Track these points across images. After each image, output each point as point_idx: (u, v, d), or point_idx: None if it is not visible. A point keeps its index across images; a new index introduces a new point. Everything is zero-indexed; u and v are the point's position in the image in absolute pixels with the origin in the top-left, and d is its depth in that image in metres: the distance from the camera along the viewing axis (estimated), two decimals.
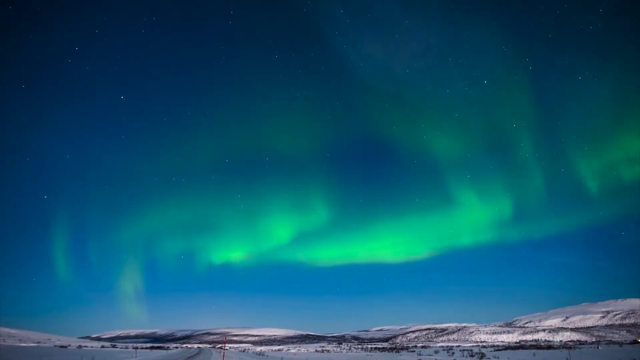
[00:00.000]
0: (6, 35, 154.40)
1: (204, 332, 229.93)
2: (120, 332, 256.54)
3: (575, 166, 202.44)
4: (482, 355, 38.40)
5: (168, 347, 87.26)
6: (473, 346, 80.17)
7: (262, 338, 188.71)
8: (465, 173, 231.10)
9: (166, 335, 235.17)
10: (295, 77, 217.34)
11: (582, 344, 69.65)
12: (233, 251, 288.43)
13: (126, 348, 69.27)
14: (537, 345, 67.54)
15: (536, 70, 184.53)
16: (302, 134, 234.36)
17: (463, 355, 39.43)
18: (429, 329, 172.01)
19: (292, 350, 70.73)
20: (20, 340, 69.92)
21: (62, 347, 52.12)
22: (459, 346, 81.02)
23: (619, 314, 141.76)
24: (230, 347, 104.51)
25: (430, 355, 40.63)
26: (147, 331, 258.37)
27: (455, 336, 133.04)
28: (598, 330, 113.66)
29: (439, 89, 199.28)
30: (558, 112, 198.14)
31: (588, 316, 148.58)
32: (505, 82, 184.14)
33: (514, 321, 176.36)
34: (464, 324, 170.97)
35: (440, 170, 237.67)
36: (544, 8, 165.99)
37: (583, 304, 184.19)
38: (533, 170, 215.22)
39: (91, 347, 62.28)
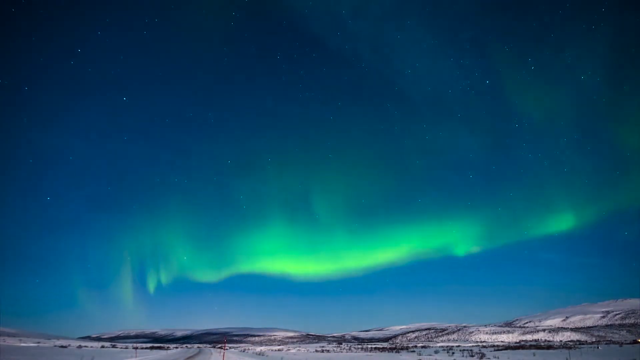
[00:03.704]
0: (8, 36, 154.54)
1: (204, 332, 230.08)
2: (120, 332, 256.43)
3: (576, 166, 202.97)
4: (482, 355, 38.42)
5: (168, 347, 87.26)
6: (473, 346, 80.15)
7: (262, 338, 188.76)
8: (468, 173, 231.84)
9: (166, 335, 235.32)
10: (298, 78, 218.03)
11: (582, 344, 69.62)
12: (233, 251, 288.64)
13: (126, 348, 69.23)
14: (537, 345, 67.56)
15: (538, 70, 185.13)
16: (304, 135, 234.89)
17: (463, 355, 39.44)
18: (429, 329, 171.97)
19: (292, 351, 70.69)
20: (20, 340, 69.98)
21: (62, 347, 52.10)
22: (459, 346, 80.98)
23: (619, 314, 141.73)
24: (230, 347, 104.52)
25: (430, 355, 40.61)
26: (147, 331, 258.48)
27: (455, 336, 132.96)
28: (598, 330, 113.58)
29: (441, 88, 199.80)
30: (559, 112, 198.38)
31: (588, 316, 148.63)
32: (506, 82, 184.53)
33: (514, 321, 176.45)
34: (464, 324, 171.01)
35: (442, 171, 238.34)
36: (545, 8, 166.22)
37: (583, 304, 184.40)
38: (535, 170, 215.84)
39: (91, 347, 62.25)
